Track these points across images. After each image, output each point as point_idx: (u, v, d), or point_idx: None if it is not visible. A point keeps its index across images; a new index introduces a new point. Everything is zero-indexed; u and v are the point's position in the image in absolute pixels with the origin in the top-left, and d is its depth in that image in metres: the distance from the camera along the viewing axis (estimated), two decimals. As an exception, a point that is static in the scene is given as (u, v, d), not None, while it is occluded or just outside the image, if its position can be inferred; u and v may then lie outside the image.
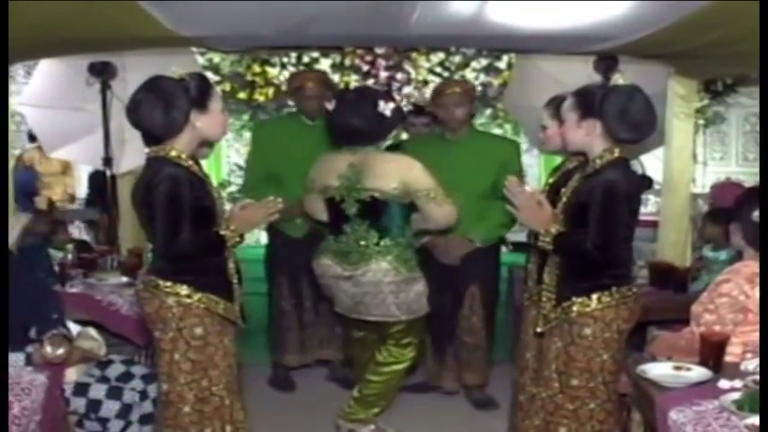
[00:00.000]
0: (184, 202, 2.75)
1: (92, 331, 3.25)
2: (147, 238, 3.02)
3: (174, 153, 2.79)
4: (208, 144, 3.12)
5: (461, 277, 4.26)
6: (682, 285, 4.08)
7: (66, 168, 7.74)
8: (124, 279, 4.16)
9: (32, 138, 7.07)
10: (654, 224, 5.09)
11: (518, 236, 4.33)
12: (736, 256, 3.17)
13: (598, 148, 2.83)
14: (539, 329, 3.03)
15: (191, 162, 2.84)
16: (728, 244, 3.42)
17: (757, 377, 2.43)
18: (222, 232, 2.86)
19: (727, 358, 2.66)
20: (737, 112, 8.84)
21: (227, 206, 3.20)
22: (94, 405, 3.10)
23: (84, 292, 3.95)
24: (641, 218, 2.97)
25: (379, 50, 8.01)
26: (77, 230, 6.34)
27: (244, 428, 3.02)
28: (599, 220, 2.76)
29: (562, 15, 3.36)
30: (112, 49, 4.45)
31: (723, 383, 2.44)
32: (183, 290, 2.81)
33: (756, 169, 7.40)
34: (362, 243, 3.60)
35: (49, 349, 2.84)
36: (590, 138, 2.84)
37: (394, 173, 3.55)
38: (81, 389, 3.11)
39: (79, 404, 3.10)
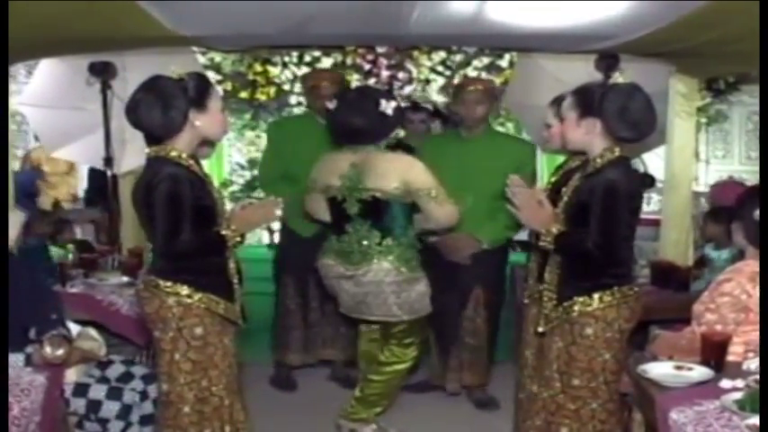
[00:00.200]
0: (185, 202, 2.74)
1: (91, 332, 3.25)
2: (147, 238, 3.01)
3: (174, 153, 2.79)
4: (209, 144, 3.12)
5: (467, 278, 4.25)
6: (683, 284, 4.07)
7: (70, 168, 7.75)
8: (125, 279, 4.16)
9: (38, 137, 7.07)
10: (656, 223, 5.08)
11: (520, 235, 4.31)
12: (738, 255, 3.16)
13: (598, 147, 2.82)
14: (540, 329, 3.02)
15: (191, 162, 2.83)
16: (730, 243, 3.42)
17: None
18: (223, 232, 2.85)
19: (729, 358, 2.65)
20: (740, 110, 8.82)
21: (229, 206, 3.19)
22: (94, 406, 3.10)
23: (84, 292, 3.95)
24: (643, 216, 2.97)
25: (381, 49, 8.00)
26: (79, 230, 6.34)
27: (244, 429, 3.02)
28: (600, 220, 2.75)
29: (561, 14, 3.36)
30: (112, 49, 4.46)
31: (724, 383, 2.43)
32: (184, 290, 2.81)
33: (759, 167, 7.37)
34: (364, 243, 3.59)
35: (48, 350, 2.84)
36: (590, 136, 2.83)
37: (395, 172, 3.55)
38: (81, 389, 3.11)
39: (79, 405, 3.10)
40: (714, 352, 2.61)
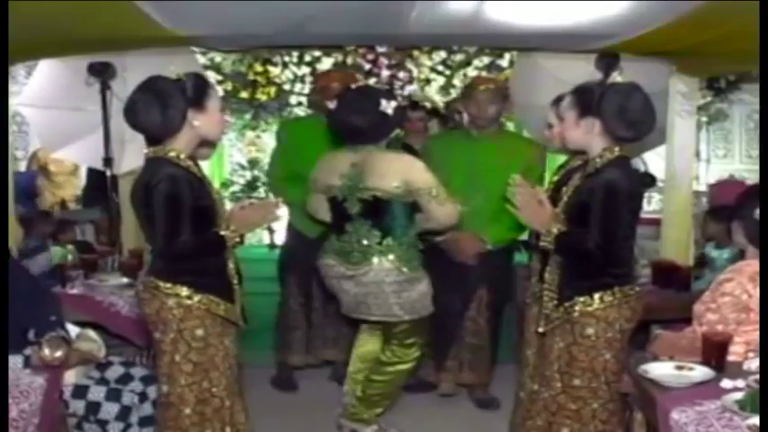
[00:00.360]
0: (184, 203, 2.74)
1: (91, 333, 3.24)
2: (146, 239, 3.00)
3: (172, 153, 2.78)
4: (210, 144, 3.11)
5: (470, 279, 4.24)
6: (684, 284, 4.06)
7: (75, 169, 7.75)
8: (125, 280, 4.15)
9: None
10: (656, 222, 5.07)
11: (523, 235, 4.30)
12: (739, 255, 3.15)
13: (597, 146, 2.82)
14: (540, 329, 3.01)
15: (189, 162, 2.83)
16: (731, 242, 3.41)
17: (760, 377, 2.41)
18: (222, 232, 2.85)
19: (730, 358, 2.64)
20: (741, 109, 8.81)
21: (229, 206, 3.18)
22: (93, 407, 3.10)
23: (84, 293, 3.94)
24: (644, 216, 2.96)
25: (381, 49, 8.00)
26: (79, 231, 6.33)
27: (245, 430, 3.01)
28: (600, 220, 2.74)
29: (560, 13, 3.36)
30: (112, 49, 4.45)
31: (725, 383, 2.42)
32: (184, 291, 2.80)
33: (761, 166, 7.36)
34: (365, 242, 3.59)
35: (47, 351, 2.83)
36: (589, 136, 2.82)
37: (395, 172, 3.54)
38: (80, 391, 3.10)
39: (78, 406, 3.09)
40: (715, 352, 2.60)
